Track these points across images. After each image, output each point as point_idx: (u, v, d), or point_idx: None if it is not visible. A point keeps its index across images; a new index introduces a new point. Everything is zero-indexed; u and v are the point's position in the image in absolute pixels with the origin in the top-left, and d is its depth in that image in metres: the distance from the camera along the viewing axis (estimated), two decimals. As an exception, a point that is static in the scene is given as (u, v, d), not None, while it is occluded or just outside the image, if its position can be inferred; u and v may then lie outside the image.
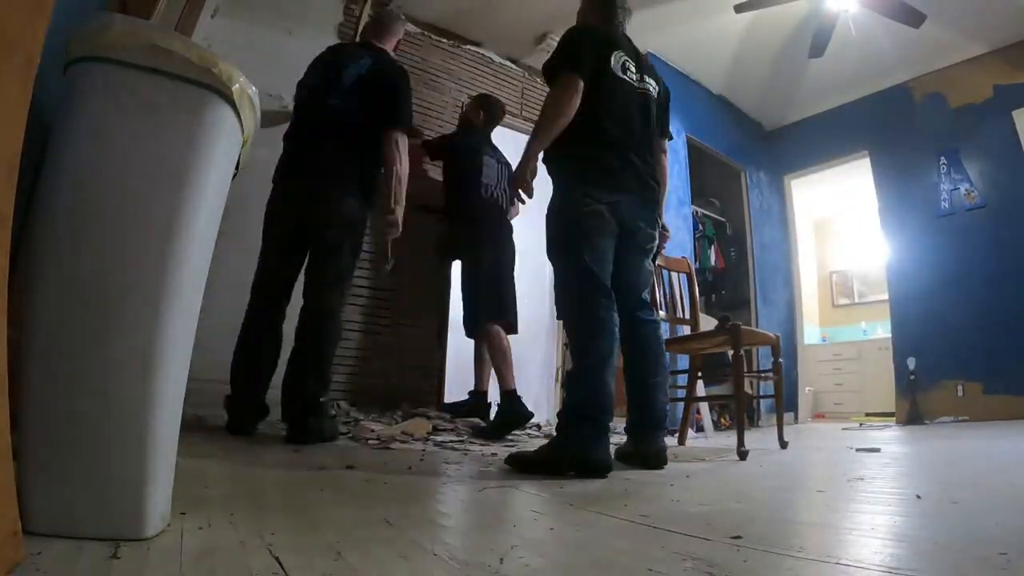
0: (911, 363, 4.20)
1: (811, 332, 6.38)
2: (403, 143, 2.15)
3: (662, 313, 2.63)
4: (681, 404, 2.88)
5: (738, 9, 3.47)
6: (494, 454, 2.04)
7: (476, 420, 2.82)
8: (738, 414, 2.26)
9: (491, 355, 2.72)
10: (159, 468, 0.73)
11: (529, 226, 4.11)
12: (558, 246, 1.79)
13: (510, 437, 2.57)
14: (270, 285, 2.11)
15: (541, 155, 1.78)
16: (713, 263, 5.03)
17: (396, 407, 3.02)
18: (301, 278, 2.11)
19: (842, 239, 7.15)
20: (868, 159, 4.75)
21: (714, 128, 4.81)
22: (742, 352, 2.29)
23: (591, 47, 1.81)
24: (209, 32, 2.60)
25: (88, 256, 0.71)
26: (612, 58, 1.82)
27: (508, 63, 4.19)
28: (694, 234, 4.49)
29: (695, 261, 4.41)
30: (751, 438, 2.39)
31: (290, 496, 1.12)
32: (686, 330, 2.86)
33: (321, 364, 2.05)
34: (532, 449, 1.71)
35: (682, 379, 2.94)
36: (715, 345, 2.56)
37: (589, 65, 1.75)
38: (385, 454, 1.87)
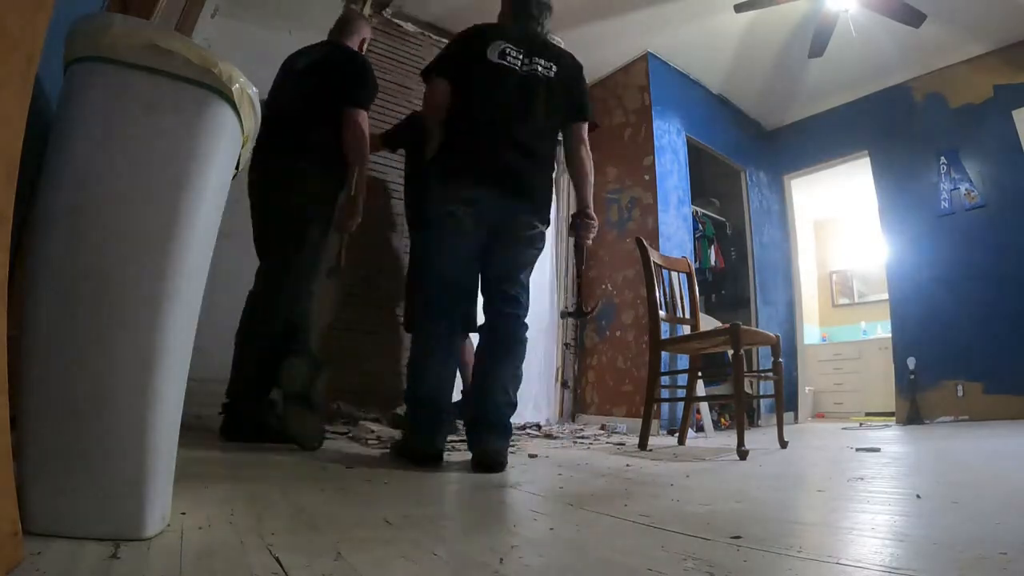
0: (911, 363, 4.20)
1: (811, 332, 6.38)
2: (361, 122, 2.04)
3: (663, 313, 2.63)
4: (681, 404, 2.87)
5: (738, 9, 3.47)
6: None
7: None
8: (738, 414, 2.26)
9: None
10: (159, 468, 0.73)
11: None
12: (415, 230, 2.00)
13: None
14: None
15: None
16: (713, 263, 5.02)
17: (396, 407, 3.02)
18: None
19: (842, 239, 7.15)
20: (868, 159, 4.75)
21: (714, 128, 4.80)
22: (742, 352, 2.29)
23: (457, 49, 1.90)
24: (209, 32, 2.60)
25: (88, 256, 0.71)
26: (488, 49, 1.82)
27: (508, 63, 4.19)
28: (694, 234, 4.48)
29: (695, 261, 4.41)
30: (751, 438, 2.39)
31: (290, 496, 1.12)
32: (686, 330, 2.86)
33: None
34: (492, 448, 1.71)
35: (682, 379, 2.94)
36: (715, 345, 2.56)
37: (452, 64, 1.84)
38: (385, 454, 1.87)
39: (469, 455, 1.69)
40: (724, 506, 1.17)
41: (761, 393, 4.15)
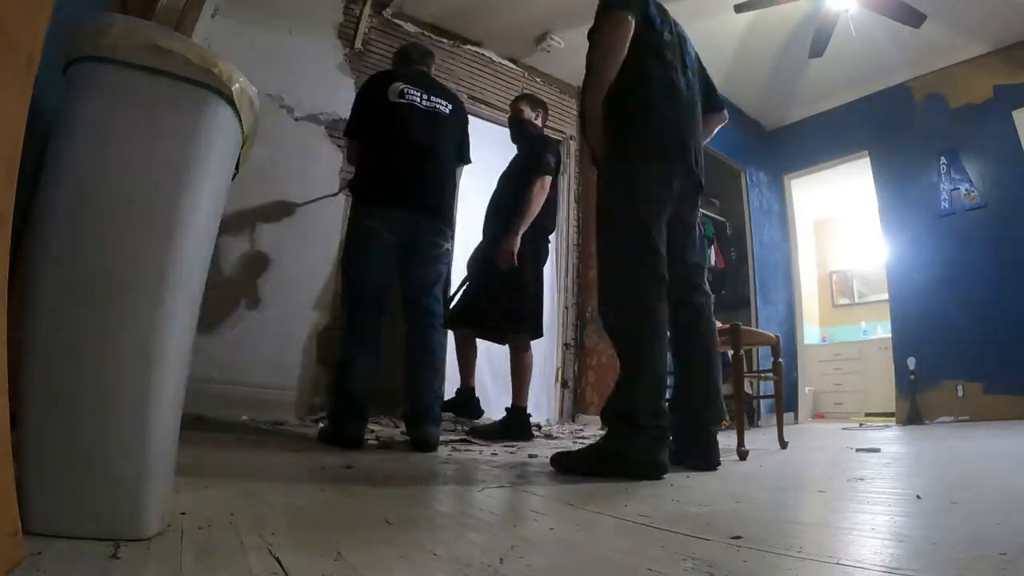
0: (911, 363, 4.20)
1: (811, 332, 6.38)
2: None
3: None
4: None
5: (738, 9, 3.47)
6: (494, 454, 2.04)
7: (478, 422, 2.82)
8: (738, 414, 2.26)
9: (523, 367, 2.75)
10: (159, 468, 0.73)
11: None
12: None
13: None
14: None
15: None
16: (713, 263, 5.02)
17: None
18: None
19: (842, 239, 7.15)
20: (868, 159, 4.75)
21: (714, 128, 4.80)
22: (742, 352, 2.29)
23: (365, 98, 2.26)
24: (209, 32, 2.60)
25: (88, 256, 0.71)
26: (388, 91, 2.19)
27: (508, 63, 4.19)
28: (694, 234, 4.48)
29: (695, 261, 4.40)
30: (751, 438, 2.39)
31: (290, 496, 1.12)
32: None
33: None
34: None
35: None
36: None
37: (360, 118, 2.23)
38: (385, 454, 1.87)
39: (468, 454, 1.69)
40: (724, 506, 1.17)
41: (761, 393, 4.15)
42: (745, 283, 4.93)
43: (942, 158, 4.26)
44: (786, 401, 3.23)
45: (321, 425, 2.32)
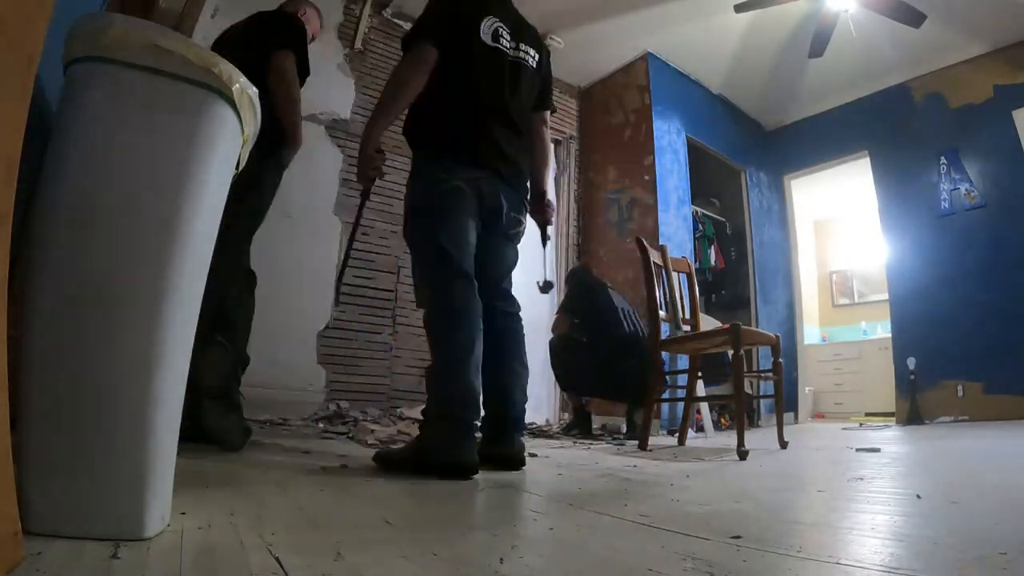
0: (911, 363, 4.20)
1: (811, 332, 6.38)
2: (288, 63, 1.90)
3: (663, 313, 2.63)
4: (681, 404, 2.87)
5: (738, 9, 3.47)
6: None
7: None
8: (738, 414, 2.26)
9: None
10: (159, 468, 0.73)
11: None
12: (413, 228, 1.68)
13: None
14: None
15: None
16: (713, 263, 5.03)
17: (396, 407, 3.02)
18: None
19: (842, 239, 7.15)
20: (868, 159, 4.75)
21: (714, 128, 4.81)
22: (742, 352, 2.29)
23: (452, 13, 1.70)
24: (209, 32, 2.60)
25: (88, 256, 0.71)
26: (482, 25, 1.72)
27: (508, 63, 4.19)
28: (694, 234, 4.49)
29: (695, 261, 4.41)
30: (751, 438, 2.39)
31: (290, 496, 1.12)
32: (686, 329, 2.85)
33: None
34: (397, 448, 1.67)
35: (682, 379, 2.94)
36: (715, 345, 2.56)
37: (447, 33, 1.67)
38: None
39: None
40: (724, 506, 1.17)
41: (761, 393, 4.15)
42: (745, 283, 4.93)
43: (942, 158, 4.27)
44: (786, 401, 3.23)
45: (390, 446, 1.92)
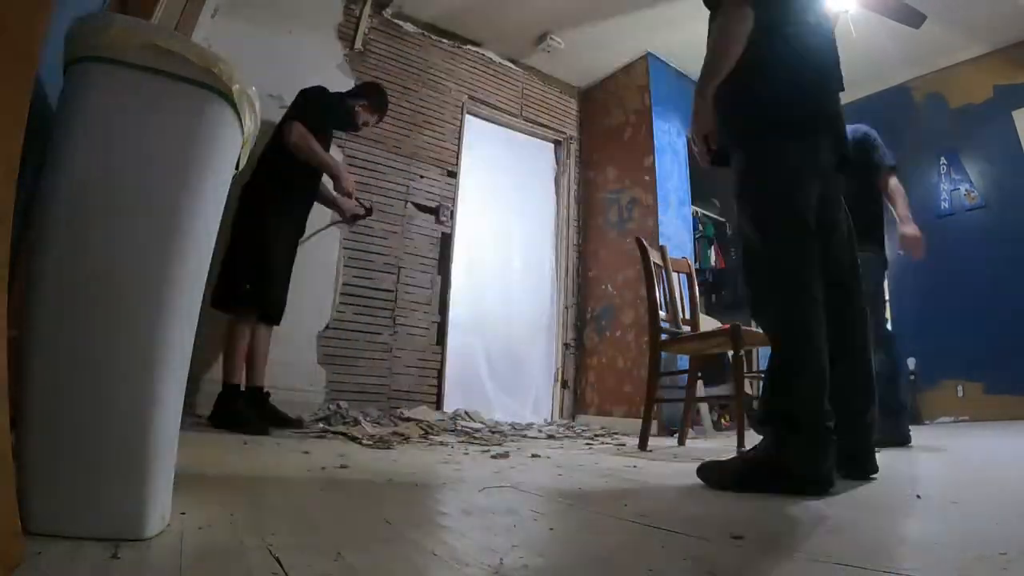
0: (911, 363, 4.20)
1: (811, 332, 6.36)
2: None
3: (663, 313, 2.63)
4: (681, 404, 2.87)
5: (738, 9, 3.46)
6: (495, 457, 2.04)
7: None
8: (738, 414, 2.26)
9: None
10: (159, 468, 0.73)
11: (522, 216, 4.12)
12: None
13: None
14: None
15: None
16: (713, 263, 5.02)
17: (396, 407, 3.02)
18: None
19: (842, 239, 7.14)
20: (868, 159, 4.75)
21: (714, 128, 4.80)
22: (742, 352, 2.29)
23: None
24: (209, 32, 2.60)
25: (88, 256, 0.71)
26: None
27: (508, 63, 4.19)
28: (694, 234, 4.48)
29: (695, 261, 4.41)
30: (751, 438, 2.39)
31: (290, 496, 1.12)
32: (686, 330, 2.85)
33: None
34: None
35: (682, 379, 2.94)
36: (715, 345, 2.56)
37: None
38: (385, 454, 1.87)
39: (468, 455, 1.68)
40: (724, 506, 1.17)
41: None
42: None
43: (942, 158, 4.26)
44: (786, 401, 3.22)
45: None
